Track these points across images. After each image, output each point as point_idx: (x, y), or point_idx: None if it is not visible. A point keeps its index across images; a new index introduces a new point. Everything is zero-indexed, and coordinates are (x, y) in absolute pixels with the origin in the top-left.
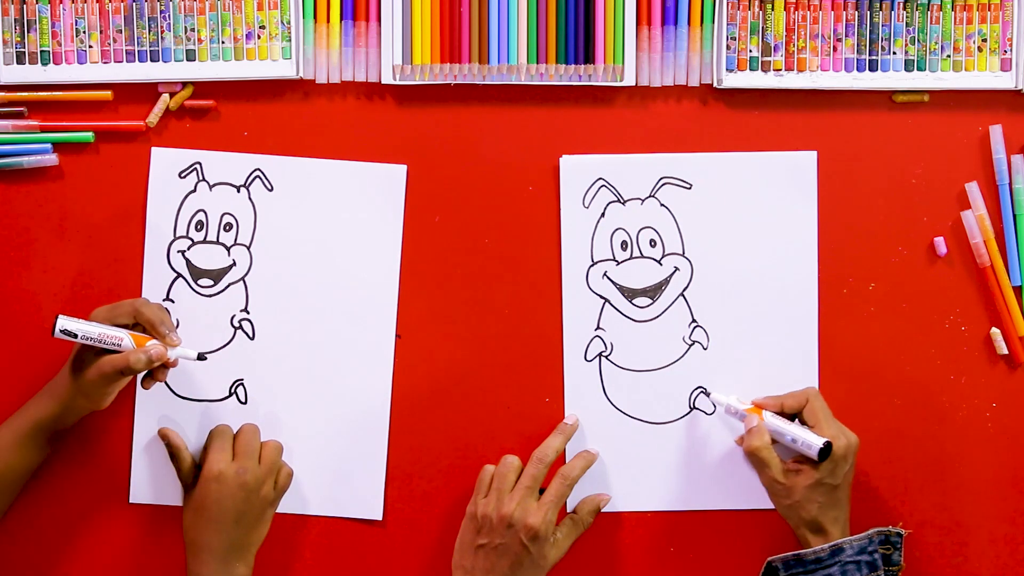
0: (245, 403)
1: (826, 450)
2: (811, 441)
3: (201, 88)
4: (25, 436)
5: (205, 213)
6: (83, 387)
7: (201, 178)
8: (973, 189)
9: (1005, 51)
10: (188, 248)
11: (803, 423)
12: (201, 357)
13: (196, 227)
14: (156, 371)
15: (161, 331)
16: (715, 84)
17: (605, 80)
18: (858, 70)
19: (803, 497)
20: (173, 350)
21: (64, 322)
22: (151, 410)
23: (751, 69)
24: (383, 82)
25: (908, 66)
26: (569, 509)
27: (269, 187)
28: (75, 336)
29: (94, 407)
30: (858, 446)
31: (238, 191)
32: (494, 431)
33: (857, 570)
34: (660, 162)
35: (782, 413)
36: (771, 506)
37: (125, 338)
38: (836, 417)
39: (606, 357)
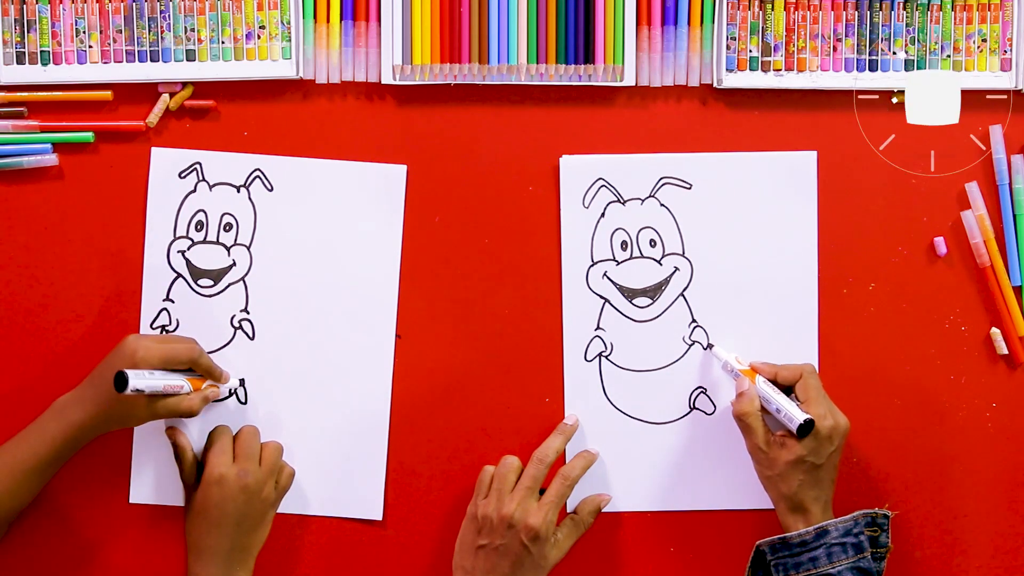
0: (245, 403)
1: (807, 427)
2: (794, 415)
3: (201, 88)
4: (51, 464)
5: (205, 213)
6: (129, 422)
7: (201, 178)
8: (973, 189)
9: (1005, 51)
10: (188, 248)
11: (797, 398)
12: (241, 383)
13: (196, 227)
14: None
15: (216, 374)
16: (715, 84)
17: (605, 80)
18: (858, 70)
19: (784, 471)
20: (222, 387)
21: (135, 381)
22: None
23: (751, 69)
24: (383, 82)
25: (908, 66)
26: (569, 509)
27: (269, 187)
28: (142, 392)
29: None
30: (848, 429)
31: (238, 191)
32: (494, 431)
33: (843, 552)
34: (660, 162)
35: (776, 382)
36: (771, 506)
37: (185, 385)
38: None
39: (606, 357)
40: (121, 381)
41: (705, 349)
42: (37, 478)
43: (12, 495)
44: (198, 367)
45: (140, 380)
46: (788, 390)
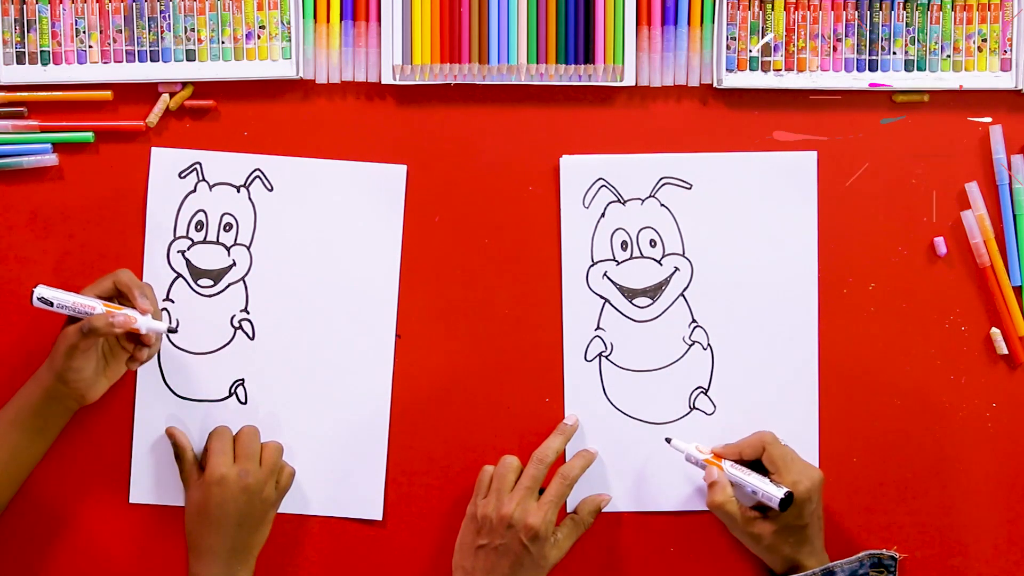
0: (245, 403)
1: (787, 500)
2: (772, 493)
3: (201, 88)
4: (11, 424)
5: (205, 213)
6: (55, 362)
7: (201, 178)
8: (973, 189)
9: (1005, 51)
10: (188, 248)
11: (765, 469)
12: (171, 330)
13: (196, 227)
14: (136, 350)
15: (134, 294)
16: (715, 84)
17: (605, 80)
18: (858, 70)
19: (773, 542)
20: (142, 319)
21: (42, 290)
22: (151, 410)
23: (751, 69)
24: (383, 82)
25: (908, 66)
26: (569, 509)
27: (269, 187)
28: (51, 304)
29: (79, 398)
30: (822, 480)
31: (238, 191)
32: (494, 431)
33: None
34: (660, 162)
35: (742, 461)
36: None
37: (97, 306)
38: (835, 420)
39: (606, 357)
40: (31, 294)
41: (666, 441)
42: (27, 440)
43: (12, 461)
44: (119, 282)
45: (48, 291)
46: (754, 462)
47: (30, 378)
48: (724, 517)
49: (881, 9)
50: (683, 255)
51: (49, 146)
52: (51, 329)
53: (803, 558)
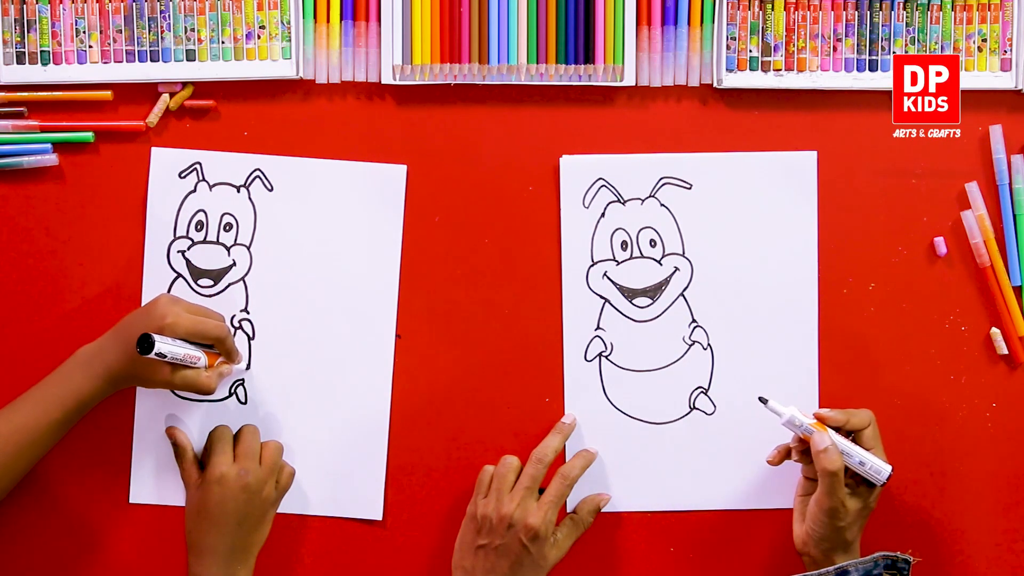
0: (245, 403)
1: (888, 477)
2: (880, 467)
3: (201, 88)
4: (72, 413)
5: (205, 213)
6: (146, 384)
7: (201, 178)
8: (973, 189)
9: (1005, 51)
10: (188, 248)
11: (860, 444)
12: (241, 382)
13: (196, 227)
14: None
15: (235, 356)
16: (715, 84)
17: (605, 80)
18: (858, 70)
19: (852, 520)
20: (236, 367)
21: (160, 346)
22: (151, 410)
23: (751, 69)
24: (383, 82)
25: None
26: (569, 509)
27: (269, 187)
28: (164, 357)
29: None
30: None
31: (238, 191)
32: (494, 431)
33: None
34: (660, 162)
35: (841, 429)
36: (771, 506)
37: (202, 357)
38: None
39: (606, 357)
40: (145, 344)
41: (761, 401)
42: (61, 427)
43: (37, 444)
44: (222, 347)
45: (164, 346)
46: (847, 434)
47: (93, 368)
48: (832, 486)
49: (881, 9)
50: (683, 255)
51: (49, 146)
52: (50, 330)
53: (853, 538)
